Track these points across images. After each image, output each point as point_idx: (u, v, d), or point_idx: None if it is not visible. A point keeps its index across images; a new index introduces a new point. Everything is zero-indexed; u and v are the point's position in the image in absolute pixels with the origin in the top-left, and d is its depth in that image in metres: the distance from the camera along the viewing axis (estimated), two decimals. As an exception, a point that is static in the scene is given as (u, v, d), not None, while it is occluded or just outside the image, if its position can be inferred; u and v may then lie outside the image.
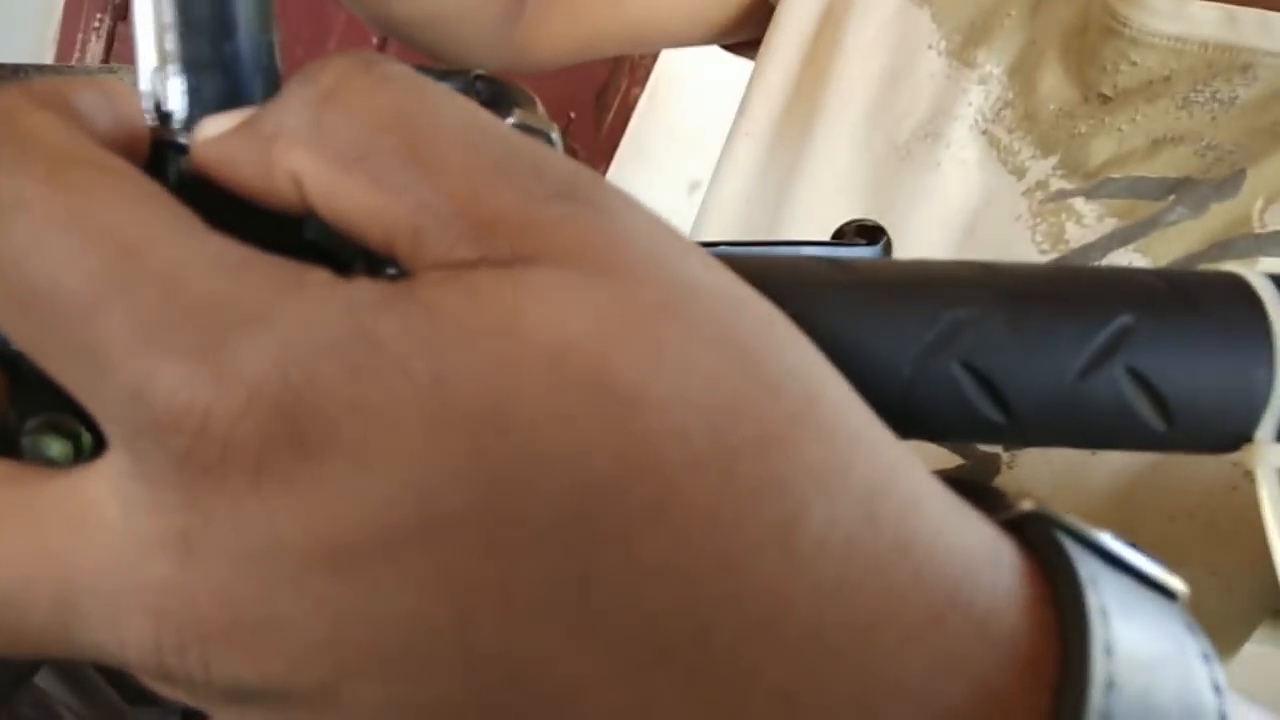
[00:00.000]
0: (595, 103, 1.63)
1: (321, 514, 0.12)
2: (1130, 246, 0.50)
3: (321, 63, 0.15)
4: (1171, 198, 0.50)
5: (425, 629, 0.12)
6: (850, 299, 0.19)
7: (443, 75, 0.28)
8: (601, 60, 1.60)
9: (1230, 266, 0.20)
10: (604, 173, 1.60)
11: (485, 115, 0.15)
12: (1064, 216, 0.52)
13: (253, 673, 0.12)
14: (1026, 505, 0.16)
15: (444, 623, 0.12)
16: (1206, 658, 0.14)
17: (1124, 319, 0.18)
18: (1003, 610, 0.13)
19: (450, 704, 0.12)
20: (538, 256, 0.13)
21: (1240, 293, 0.19)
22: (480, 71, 0.26)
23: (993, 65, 0.55)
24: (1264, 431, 0.19)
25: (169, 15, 0.16)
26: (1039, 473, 0.51)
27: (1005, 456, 0.52)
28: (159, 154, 0.16)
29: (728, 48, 0.72)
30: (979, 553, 0.14)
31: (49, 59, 1.95)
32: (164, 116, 0.17)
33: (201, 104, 0.17)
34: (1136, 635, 0.13)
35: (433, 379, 0.12)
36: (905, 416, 0.18)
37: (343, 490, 0.12)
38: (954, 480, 0.16)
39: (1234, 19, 0.48)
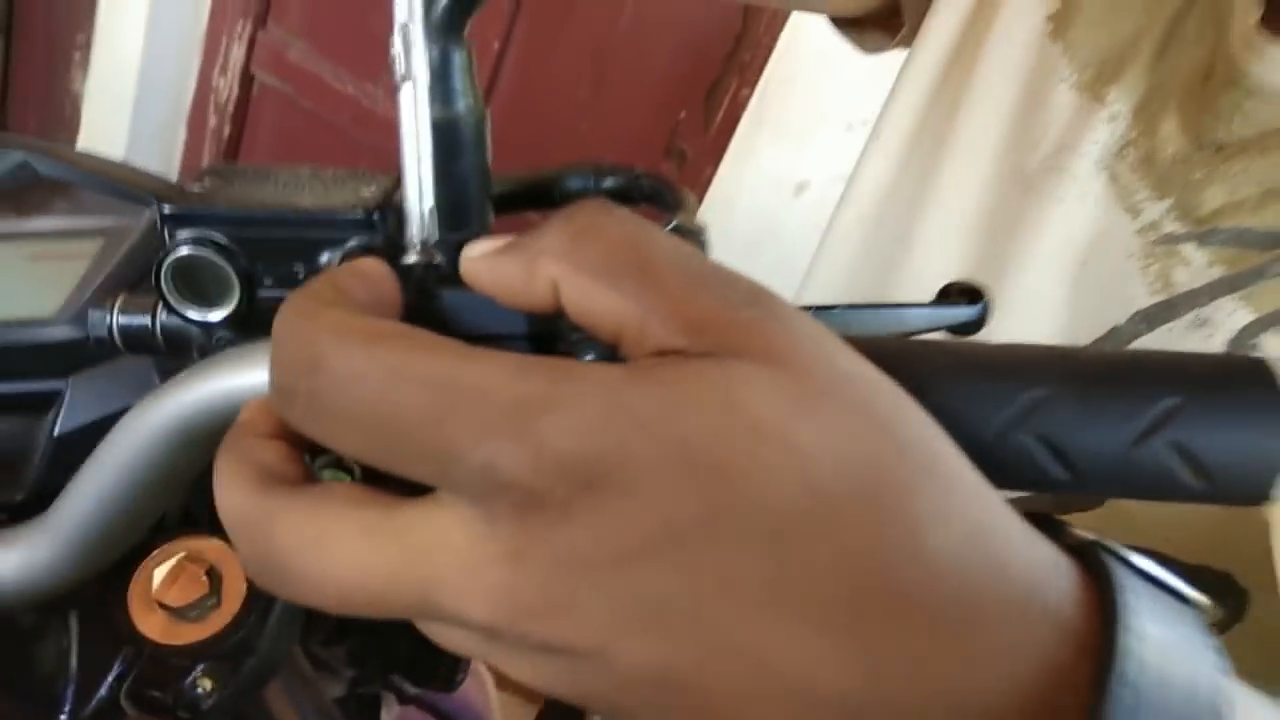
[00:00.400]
0: (705, 102, 1.67)
1: (606, 532, 0.18)
2: (1235, 295, 0.52)
3: (576, 205, 0.21)
4: (1278, 250, 0.51)
5: (670, 605, 0.18)
6: (951, 379, 0.24)
7: (613, 171, 0.34)
8: (712, 60, 1.64)
9: None
10: (712, 172, 1.64)
11: (689, 246, 0.21)
12: (1173, 260, 0.54)
13: (556, 637, 0.18)
14: (1086, 535, 0.21)
15: (683, 600, 0.18)
16: (1216, 650, 0.19)
17: (1169, 400, 0.23)
18: (1064, 606, 0.19)
19: (685, 668, 0.18)
20: (738, 352, 0.19)
21: (1264, 378, 0.23)
22: (640, 171, 0.32)
23: (1121, 104, 0.57)
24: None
25: (430, 187, 0.22)
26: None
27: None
28: (422, 291, 0.23)
29: (842, 27, 0.74)
30: (1048, 566, 0.20)
31: (195, 62, 2.09)
32: (426, 249, 0.23)
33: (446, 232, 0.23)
34: (1159, 629, 0.19)
35: (673, 438, 0.18)
36: (989, 470, 0.23)
37: (620, 516, 0.18)
38: (1029, 514, 0.22)
39: None
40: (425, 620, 0.20)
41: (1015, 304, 0.58)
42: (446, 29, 0.23)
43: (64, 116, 2.13)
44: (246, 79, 2.08)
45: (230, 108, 2.10)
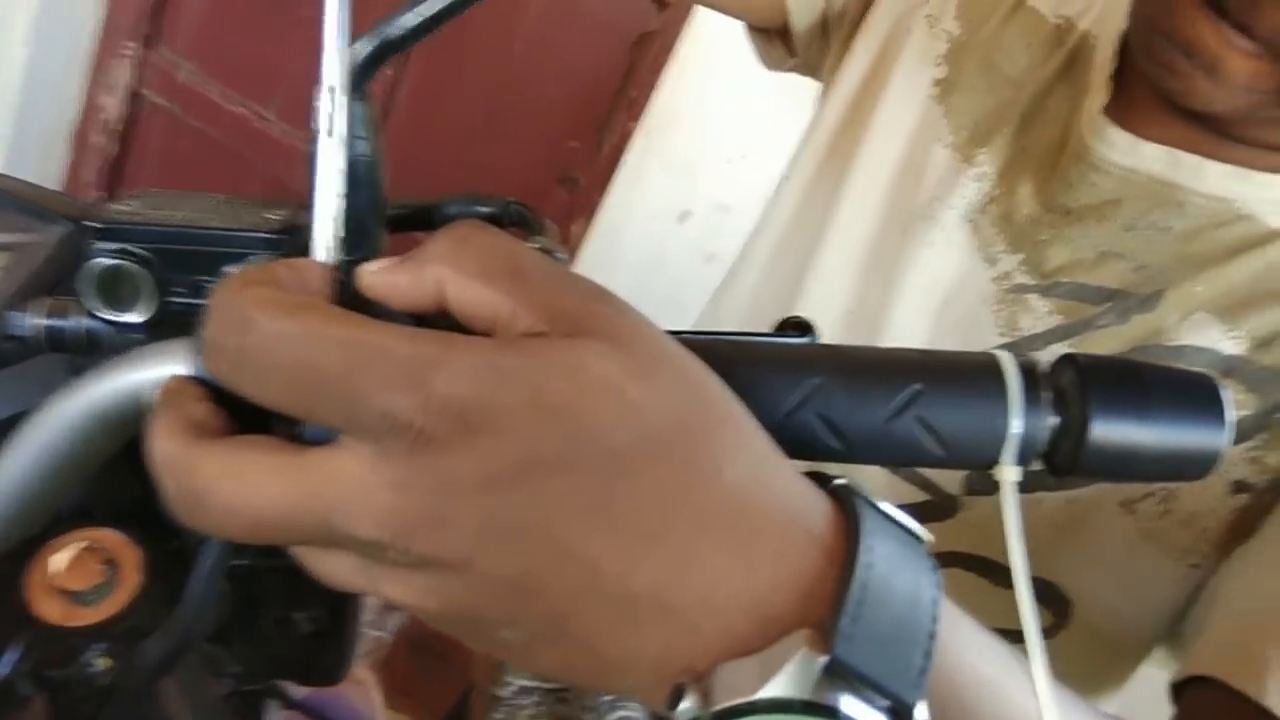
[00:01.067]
0: (595, 133, 1.73)
1: (477, 463, 0.22)
2: (1066, 342, 0.60)
3: (456, 224, 0.26)
4: (1108, 304, 0.59)
5: (526, 520, 0.23)
6: (751, 368, 0.30)
7: (487, 200, 0.39)
8: (602, 94, 1.70)
9: None
10: (600, 200, 1.70)
11: (548, 257, 0.26)
12: (1020, 308, 0.62)
13: (431, 549, 0.23)
14: (840, 480, 0.27)
15: (536, 517, 0.23)
16: (933, 570, 0.25)
17: (915, 385, 0.29)
18: (821, 526, 0.25)
19: (535, 575, 0.23)
20: (588, 333, 0.24)
21: (993, 368, 0.30)
22: (512, 200, 0.37)
23: (988, 165, 0.65)
24: (1006, 457, 0.30)
25: (339, 216, 0.27)
26: (985, 515, 0.61)
27: (963, 501, 0.62)
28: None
29: (753, 35, 0.82)
30: (811, 498, 0.26)
31: (80, 81, 2.05)
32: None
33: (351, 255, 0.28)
34: (889, 548, 0.25)
35: (533, 390, 0.22)
36: (782, 443, 0.29)
37: (488, 450, 0.22)
38: (807, 473, 0.28)
39: (1176, 161, 0.57)
40: (320, 547, 0.25)
41: (889, 334, 0.65)
42: (353, 85, 0.27)
43: (-63, 130, 2.05)
44: (134, 98, 2.05)
45: (116, 127, 2.07)
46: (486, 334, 0.25)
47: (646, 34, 1.66)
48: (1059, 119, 0.63)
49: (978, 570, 0.60)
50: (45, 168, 2.09)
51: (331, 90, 0.27)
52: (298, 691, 0.78)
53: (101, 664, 0.41)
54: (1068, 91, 0.63)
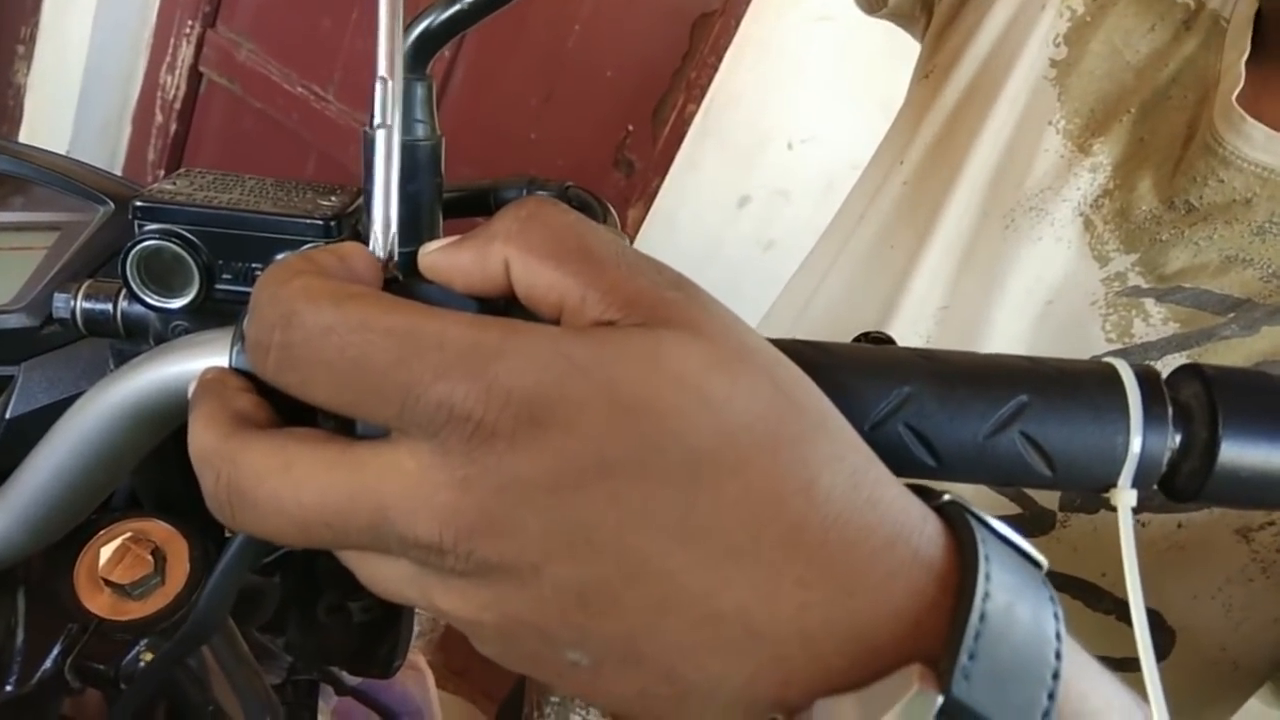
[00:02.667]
0: (653, 117, 1.71)
1: (545, 463, 0.20)
2: (1184, 353, 0.55)
3: (523, 199, 0.24)
4: (1231, 315, 0.55)
5: (597, 527, 0.20)
6: (835, 374, 0.27)
7: (544, 184, 0.37)
8: (660, 76, 1.67)
9: None
10: (658, 185, 1.67)
11: (620, 239, 0.24)
12: (1134, 312, 0.58)
13: (494, 554, 0.21)
14: (948, 496, 0.25)
15: (608, 524, 0.21)
16: (1052, 600, 0.23)
17: (1021, 397, 0.26)
18: (930, 548, 0.23)
19: (606, 588, 0.21)
20: (664, 322, 0.22)
21: (1111, 379, 0.27)
22: (570, 184, 0.35)
23: (1104, 156, 0.60)
24: (1123, 480, 0.27)
25: (395, 208, 0.25)
26: (1083, 534, 0.57)
27: (1060, 517, 0.58)
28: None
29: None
30: (916, 514, 0.23)
31: (143, 63, 2.07)
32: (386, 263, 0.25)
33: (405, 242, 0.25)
34: (1007, 576, 0.22)
35: (606, 383, 0.20)
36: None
37: (558, 448, 0.20)
38: (906, 483, 0.25)
39: None
40: (370, 553, 0.23)
41: (986, 335, 0.61)
42: (411, 64, 0.25)
43: (6, 109, 2.09)
44: (194, 77, 2.07)
45: (177, 105, 2.09)
46: (554, 320, 0.23)
47: (707, 14, 1.62)
48: (1185, 108, 0.58)
49: (1072, 592, 0.57)
50: (109, 146, 2.12)
51: (385, 81, 0.25)
52: (351, 679, 0.78)
53: (147, 659, 0.40)
54: (1195, 79, 0.58)
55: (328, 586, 0.62)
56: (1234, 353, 0.54)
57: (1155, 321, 0.57)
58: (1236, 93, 0.55)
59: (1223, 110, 0.55)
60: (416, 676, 0.94)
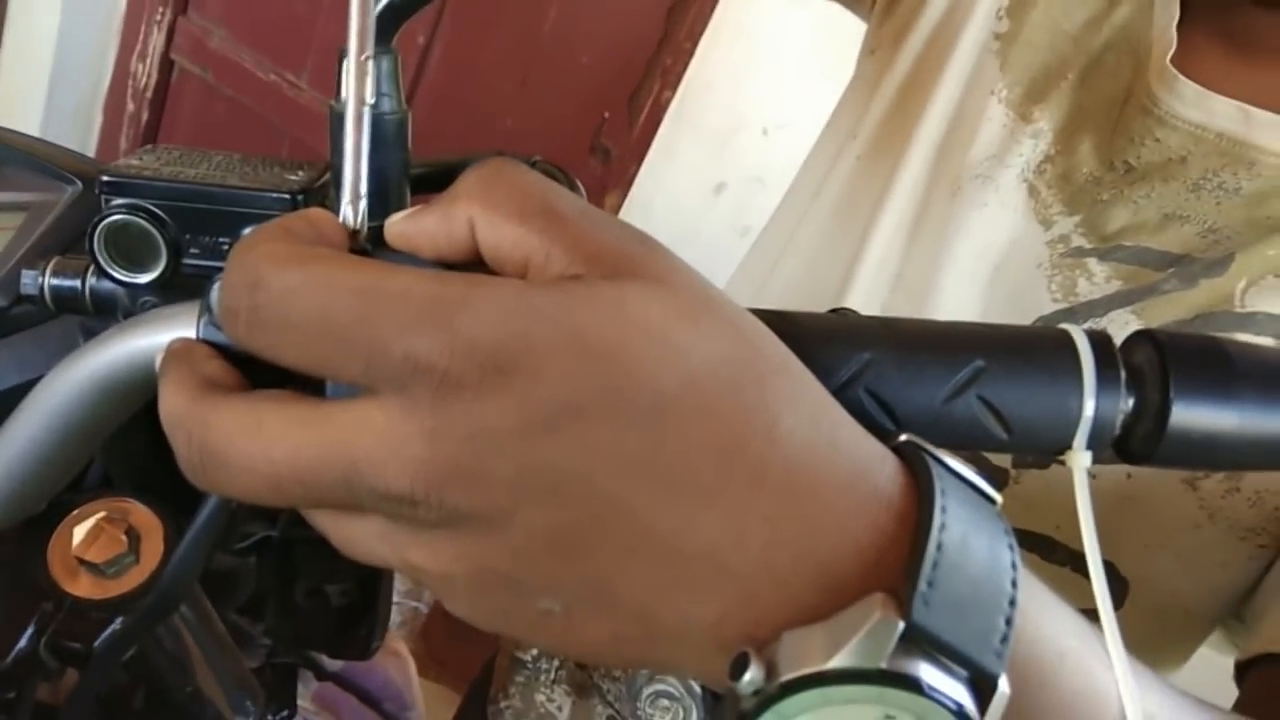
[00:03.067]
0: (628, 104, 1.71)
1: (512, 410, 0.20)
2: (1128, 308, 0.56)
3: (486, 161, 0.24)
4: (1171, 270, 0.56)
5: (566, 472, 0.21)
6: (797, 342, 0.27)
7: (512, 158, 0.37)
8: (635, 63, 1.67)
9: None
10: (635, 172, 1.68)
11: (582, 198, 0.24)
12: (1078, 272, 0.59)
13: (465, 502, 0.21)
14: (905, 436, 0.25)
15: (576, 468, 0.21)
16: (1007, 533, 0.23)
17: (977, 363, 0.27)
18: (888, 485, 0.23)
19: (577, 530, 0.21)
20: (629, 275, 0.22)
21: (1064, 344, 0.28)
22: (538, 158, 0.35)
23: (1045, 122, 0.61)
24: (1078, 442, 0.27)
25: (364, 179, 0.25)
26: (1036, 490, 0.58)
27: (1013, 473, 0.59)
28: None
29: None
30: (875, 453, 0.24)
31: (113, 50, 2.05)
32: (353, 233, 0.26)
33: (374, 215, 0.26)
34: (963, 510, 0.23)
35: (570, 330, 0.21)
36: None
37: (524, 396, 0.20)
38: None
39: (1249, 117, 0.54)
40: (343, 511, 0.23)
41: (937, 300, 0.62)
42: (376, 38, 0.26)
43: (-27, 97, 2.06)
44: (166, 65, 2.05)
45: (149, 94, 2.07)
46: (520, 278, 0.23)
47: (683, 0, 1.62)
48: (1121, 73, 0.60)
49: (1027, 546, 0.58)
50: (80, 135, 2.10)
51: (356, 60, 0.25)
52: (332, 664, 0.78)
53: (123, 637, 0.40)
54: (1127, 44, 0.60)
55: (306, 571, 0.62)
56: (1174, 306, 0.55)
57: (1099, 280, 0.58)
58: (1170, 53, 0.56)
59: (1157, 71, 0.56)
60: (398, 663, 0.94)
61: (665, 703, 0.67)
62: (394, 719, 0.88)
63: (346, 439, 0.21)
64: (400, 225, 0.24)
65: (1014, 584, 0.22)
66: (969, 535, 0.22)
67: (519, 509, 0.21)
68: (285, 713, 0.62)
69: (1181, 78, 0.55)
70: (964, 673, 0.21)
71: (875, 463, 0.24)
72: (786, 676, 0.21)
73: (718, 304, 0.23)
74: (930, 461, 0.24)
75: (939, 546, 0.21)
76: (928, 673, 0.20)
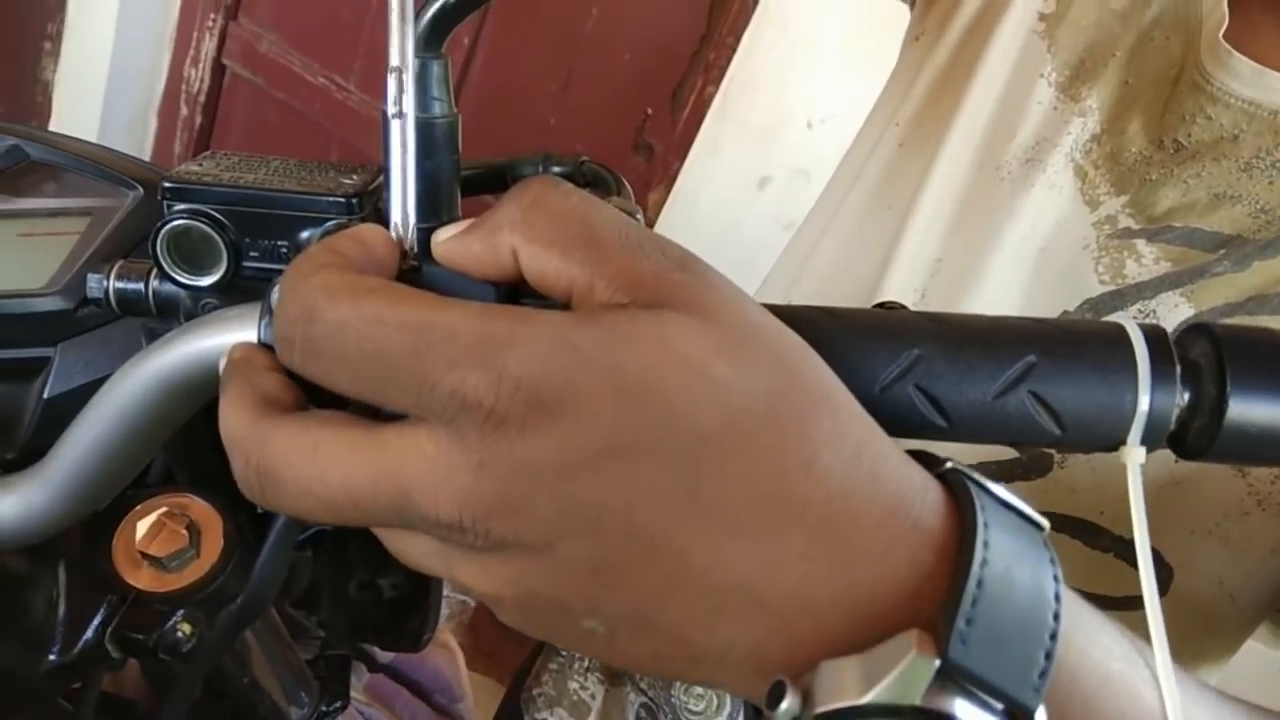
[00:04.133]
0: (672, 99, 1.70)
1: (555, 446, 0.21)
2: (1178, 290, 0.55)
3: (526, 181, 0.25)
4: (1222, 251, 0.55)
5: (607, 507, 0.21)
6: (845, 339, 0.27)
7: (559, 160, 0.37)
8: (678, 58, 1.67)
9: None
10: (679, 167, 1.67)
11: (626, 217, 0.25)
12: (1126, 254, 0.58)
13: (510, 533, 0.22)
14: (950, 464, 0.25)
15: (617, 504, 0.21)
16: (1053, 561, 0.23)
17: (1029, 357, 0.27)
18: (929, 517, 0.23)
19: (617, 564, 0.22)
20: (670, 304, 0.23)
21: (1118, 337, 0.27)
22: (585, 158, 0.36)
23: (1094, 101, 0.60)
24: (1132, 437, 0.27)
25: (411, 198, 0.26)
26: (1081, 475, 0.57)
27: (1057, 458, 0.58)
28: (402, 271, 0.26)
29: None
30: (917, 484, 0.24)
31: (167, 57, 2.10)
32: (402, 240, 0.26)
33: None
34: (1007, 540, 0.23)
35: (611, 369, 0.21)
36: (879, 419, 0.27)
37: (567, 432, 0.21)
38: (909, 451, 0.25)
39: None
40: (396, 528, 0.24)
41: (981, 285, 0.61)
42: (426, 43, 0.26)
43: (34, 105, 2.12)
44: (218, 70, 2.09)
45: (202, 98, 2.11)
46: (565, 303, 0.24)
47: (725, -5, 1.62)
48: (1171, 49, 0.58)
49: (1070, 532, 0.57)
50: (135, 140, 2.15)
51: (398, 71, 0.25)
52: (383, 656, 0.80)
53: (184, 629, 0.41)
54: (1176, 20, 0.59)
55: (359, 564, 0.63)
56: (1227, 288, 0.54)
57: (1147, 261, 0.57)
58: (1223, 28, 0.55)
59: (1209, 47, 0.55)
60: (448, 655, 0.95)
61: (699, 690, 0.67)
62: (444, 710, 0.89)
63: (398, 467, 0.22)
64: (447, 248, 0.25)
65: (1056, 616, 0.22)
66: (1011, 568, 0.22)
67: (561, 541, 0.22)
68: (339, 704, 0.63)
69: (1235, 53, 0.54)
70: (1000, 706, 0.21)
71: (917, 495, 0.24)
72: (821, 709, 0.21)
73: (759, 332, 0.24)
74: (975, 491, 0.24)
75: (979, 583, 0.22)
76: (962, 709, 0.20)
